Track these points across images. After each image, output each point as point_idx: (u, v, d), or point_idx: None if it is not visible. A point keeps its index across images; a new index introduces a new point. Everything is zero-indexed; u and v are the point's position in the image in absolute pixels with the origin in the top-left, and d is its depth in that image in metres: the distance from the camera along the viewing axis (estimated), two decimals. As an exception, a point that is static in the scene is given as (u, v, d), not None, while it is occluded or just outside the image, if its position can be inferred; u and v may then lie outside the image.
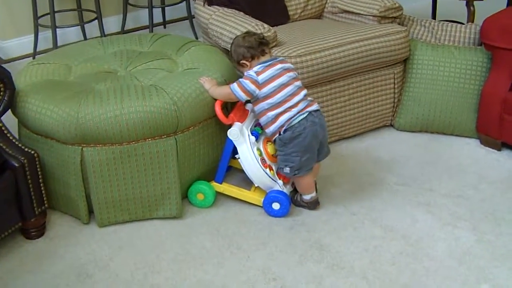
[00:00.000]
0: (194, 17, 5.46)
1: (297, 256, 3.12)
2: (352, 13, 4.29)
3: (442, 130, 4.10)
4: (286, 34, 3.98)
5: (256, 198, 3.44)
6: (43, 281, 3.01)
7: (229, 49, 3.43)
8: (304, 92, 3.29)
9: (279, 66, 3.27)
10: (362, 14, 4.22)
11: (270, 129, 3.30)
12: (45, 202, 3.27)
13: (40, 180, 3.22)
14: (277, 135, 3.28)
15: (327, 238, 3.23)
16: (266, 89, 3.22)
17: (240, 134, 3.30)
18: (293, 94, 3.24)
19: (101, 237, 3.28)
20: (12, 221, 3.15)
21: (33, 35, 5.35)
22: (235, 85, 3.26)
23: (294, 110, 3.22)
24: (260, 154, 3.35)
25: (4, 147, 3.11)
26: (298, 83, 3.30)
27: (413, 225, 3.31)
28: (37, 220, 3.25)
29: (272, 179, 3.36)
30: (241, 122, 3.34)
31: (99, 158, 3.17)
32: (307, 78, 3.67)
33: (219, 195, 3.51)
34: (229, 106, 3.58)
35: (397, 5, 4.15)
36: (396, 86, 4.08)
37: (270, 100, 3.23)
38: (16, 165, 3.09)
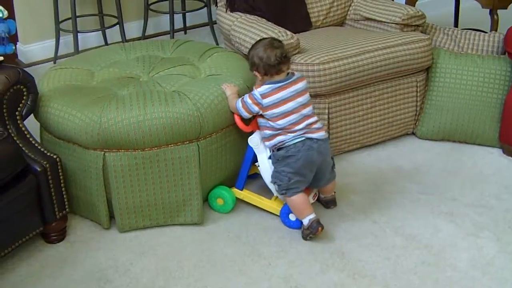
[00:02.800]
0: (215, 23, 5.47)
1: (319, 264, 3.10)
2: (375, 20, 4.27)
3: (464, 139, 4.07)
4: (308, 41, 3.97)
5: (275, 207, 3.41)
6: (63, 286, 3.01)
7: (250, 52, 3.29)
8: (308, 121, 3.21)
9: (292, 89, 3.18)
10: (384, 22, 4.20)
11: (266, 144, 3.29)
12: (66, 206, 3.27)
13: (62, 185, 3.22)
14: (271, 151, 3.27)
15: (348, 246, 3.21)
16: (269, 113, 3.17)
17: (260, 142, 3.29)
18: (295, 123, 3.18)
19: (122, 243, 3.27)
20: (33, 225, 3.15)
21: (54, 39, 5.36)
22: (239, 103, 3.23)
23: (289, 135, 3.18)
24: (279, 165, 3.34)
25: (26, 151, 3.11)
26: (305, 110, 3.20)
27: (436, 235, 3.29)
28: (58, 224, 3.25)
29: None
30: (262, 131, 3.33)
31: (121, 163, 3.17)
32: (329, 86, 3.66)
33: (240, 202, 3.49)
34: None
35: (420, 13, 4.13)
36: (418, 94, 4.06)
37: (271, 122, 3.20)
38: (38, 169, 3.09)
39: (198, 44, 3.96)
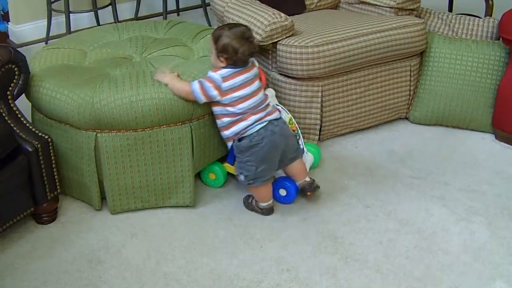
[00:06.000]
0: (208, 5, 5.45)
1: (311, 248, 3.09)
2: (369, 4, 4.25)
3: (457, 124, 4.07)
4: (302, 24, 3.95)
5: None
6: (54, 267, 3.00)
7: (218, 32, 3.16)
8: (267, 102, 3.22)
9: (248, 74, 3.16)
10: (379, 5, 4.17)
11: (224, 134, 3.23)
12: (58, 187, 3.26)
13: (53, 165, 3.21)
14: (232, 142, 3.22)
15: (340, 230, 3.21)
16: (228, 97, 3.12)
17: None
18: (255, 106, 3.15)
19: (113, 224, 3.26)
20: (24, 205, 3.13)
21: (46, 19, 5.32)
22: (196, 86, 3.11)
23: (252, 119, 3.14)
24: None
25: (18, 131, 3.09)
26: (260, 94, 3.19)
27: (428, 219, 3.29)
28: (49, 205, 3.24)
29: None
30: None
31: (113, 144, 3.15)
32: (323, 69, 3.65)
33: (232, 184, 3.50)
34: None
35: (414, -3, 4.12)
36: (412, 78, 4.05)
37: (230, 108, 3.14)
38: (30, 149, 3.07)
39: (191, 26, 3.94)
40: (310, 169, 3.56)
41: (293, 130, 3.49)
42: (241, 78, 3.13)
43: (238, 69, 3.13)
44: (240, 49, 3.09)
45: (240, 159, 3.21)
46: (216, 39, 3.13)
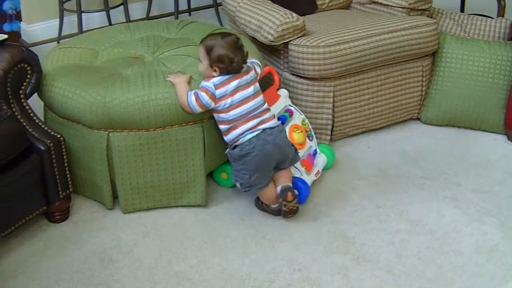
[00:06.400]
0: (219, 5, 5.44)
1: (322, 248, 3.09)
2: (381, 4, 4.24)
3: (469, 125, 4.05)
4: (314, 24, 3.95)
5: None
6: (67, 265, 3.00)
7: (210, 42, 3.15)
8: (262, 108, 3.18)
9: (242, 79, 3.14)
10: (391, 6, 4.17)
11: (226, 138, 3.21)
12: (70, 186, 3.27)
13: (66, 164, 3.21)
14: (228, 149, 3.21)
15: (352, 231, 3.21)
16: (221, 104, 3.10)
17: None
18: (248, 113, 3.12)
19: (125, 223, 3.27)
20: (37, 204, 3.14)
21: (58, 19, 5.33)
22: (192, 97, 3.09)
23: (243, 128, 3.11)
24: (285, 140, 3.32)
25: (30, 130, 3.10)
26: (256, 101, 3.15)
27: (440, 220, 3.28)
28: (61, 204, 3.25)
29: (294, 166, 3.33)
30: (270, 106, 3.30)
31: (125, 143, 3.16)
32: (335, 69, 3.64)
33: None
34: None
35: (426, -3, 4.12)
36: (424, 79, 4.04)
37: (223, 115, 3.13)
38: (42, 148, 3.08)
39: (203, 25, 3.94)
40: (323, 170, 3.56)
41: (306, 131, 3.49)
42: (233, 84, 3.11)
43: (229, 76, 3.12)
44: (235, 58, 3.09)
45: (235, 167, 3.20)
46: (209, 49, 3.10)
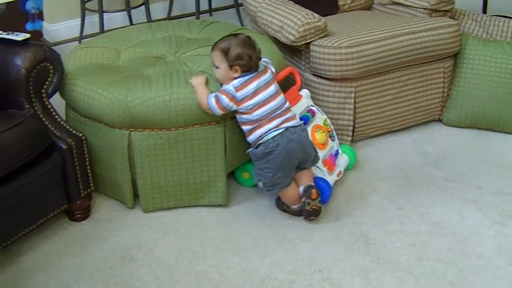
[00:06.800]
0: (240, 5, 5.45)
1: (343, 249, 3.08)
2: (403, 5, 4.23)
3: (491, 127, 4.03)
4: (335, 25, 3.94)
5: None
6: (87, 264, 3.02)
7: (224, 44, 3.13)
8: (285, 107, 3.18)
9: (261, 79, 3.13)
10: (413, 7, 4.15)
11: (248, 139, 3.22)
12: (91, 185, 3.28)
13: (87, 163, 3.23)
14: (251, 148, 3.21)
15: (373, 232, 3.20)
16: (244, 106, 3.10)
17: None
18: (272, 112, 3.12)
19: (145, 222, 3.27)
20: (58, 202, 3.16)
21: (79, 19, 5.36)
22: (212, 100, 3.08)
23: (267, 127, 3.11)
24: (307, 140, 3.32)
25: (52, 129, 3.11)
26: (277, 100, 3.15)
27: (462, 222, 3.26)
28: (82, 203, 3.26)
29: (316, 166, 3.33)
30: (292, 106, 3.29)
31: (146, 142, 3.16)
32: (356, 70, 3.63)
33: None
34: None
35: (448, -2, 4.10)
36: (445, 80, 4.02)
37: (247, 116, 3.13)
38: (64, 147, 3.09)
39: (225, 25, 3.94)
40: (344, 170, 3.56)
41: (328, 131, 3.48)
42: (253, 85, 3.11)
43: (249, 77, 3.11)
44: (253, 54, 3.11)
45: (258, 166, 3.19)
46: (225, 50, 3.10)
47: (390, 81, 3.84)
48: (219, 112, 3.10)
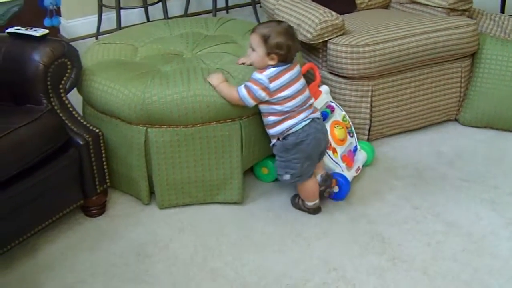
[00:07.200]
0: (257, 3, 5.45)
1: (358, 247, 3.08)
2: (421, 4, 4.21)
3: (508, 127, 4.01)
4: (353, 23, 3.93)
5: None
6: (102, 259, 3.03)
7: (267, 30, 3.09)
8: (311, 101, 3.20)
9: (292, 72, 3.13)
10: (431, 6, 4.14)
11: (269, 132, 3.22)
12: (107, 180, 3.29)
13: (103, 159, 3.24)
14: (276, 140, 3.20)
15: (388, 231, 3.19)
16: (277, 97, 3.09)
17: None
18: (301, 105, 3.13)
19: (161, 219, 3.28)
20: (74, 198, 3.17)
21: (96, 15, 5.38)
22: (243, 91, 3.08)
23: (298, 118, 3.12)
24: (327, 136, 3.33)
25: (69, 124, 3.12)
26: (306, 93, 3.17)
27: (477, 222, 3.25)
28: (98, 198, 3.27)
29: (335, 162, 3.35)
30: None
31: (163, 139, 3.17)
32: (373, 68, 3.63)
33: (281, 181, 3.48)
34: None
35: (467, -3, 4.08)
36: (462, 80, 4.00)
37: (278, 107, 3.11)
38: (81, 142, 3.11)
39: (242, 23, 3.95)
40: (362, 167, 3.58)
41: (347, 127, 3.48)
42: (287, 76, 3.10)
43: (283, 68, 3.10)
44: (292, 45, 3.08)
45: (285, 158, 3.19)
46: (266, 37, 3.07)
47: (407, 80, 3.83)
48: (252, 102, 3.10)
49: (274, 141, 3.22)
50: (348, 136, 3.50)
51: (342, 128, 3.47)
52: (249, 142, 3.30)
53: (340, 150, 3.39)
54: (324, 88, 3.51)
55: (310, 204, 3.29)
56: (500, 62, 3.93)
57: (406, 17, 4.07)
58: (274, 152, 3.24)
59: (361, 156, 3.56)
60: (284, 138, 3.16)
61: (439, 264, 2.98)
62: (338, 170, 3.36)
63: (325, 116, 3.36)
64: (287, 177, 3.22)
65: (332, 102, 3.52)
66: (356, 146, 3.55)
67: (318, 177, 3.28)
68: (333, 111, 3.48)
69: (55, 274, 2.94)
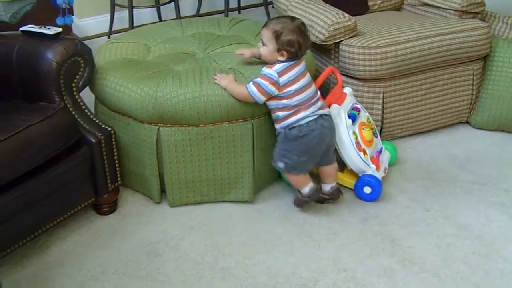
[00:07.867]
0: (269, 4, 5.46)
1: (369, 249, 3.08)
2: (433, 6, 4.21)
3: (520, 130, 4.02)
4: (365, 25, 3.94)
5: (347, 180, 3.46)
6: (113, 257, 3.04)
7: (279, 26, 3.09)
8: (318, 96, 3.21)
9: (300, 67, 3.14)
10: (443, 8, 4.14)
11: (277, 126, 3.23)
12: (119, 179, 3.30)
13: (115, 157, 3.25)
14: (282, 129, 3.20)
15: (399, 233, 3.19)
16: (286, 91, 3.10)
17: (336, 116, 3.28)
18: (309, 98, 3.14)
19: (172, 217, 3.29)
20: (86, 195, 3.18)
21: (109, 14, 5.40)
22: (252, 87, 3.09)
23: (305, 113, 3.13)
24: (356, 138, 3.34)
25: (82, 122, 3.14)
26: (312, 88, 3.18)
27: (488, 225, 3.25)
28: (109, 196, 3.28)
29: (366, 163, 3.35)
30: (339, 105, 3.32)
31: (175, 138, 3.18)
32: (385, 70, 3.63)
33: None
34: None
35: (479, 0, 4.06)
36: (474, 83, 4.00)
37: (286, 101, 3.12)
38: (93, 141, 3.12)
39: (254, 23, 3.95)
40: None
41: (371, 128, 3.48)
42: (295, 71, 3.12)
43: (291, 63, 3.11)
44: (303, 43, 3.10)
45: (285, 147, 3.19)
46: (278, 33, 3.08)
47: (419, 82, 3.83)
48: (262, 98, 3.10)
49: (279, 127, 3.22)
50: (374, 137, 3.51)
51: (369, 129, 3.47)
52: (261, 142, 3.31)
53: (369, 151, 3.39)
54: (348, 90, 3.49)
55: (305, 190, 3.27)
56: (512, 65, 3.93)
57: (418, 19, 4.07)
58: (278, 140, 3.24)
59: (386, 157, 3.57)
60: (289, 129, 3.17)
61: (449, 267, 2.98)
62: (369, 171, 3.37)
63: (353, 118, 3.37)
64: (281, 165, 3.22)
65: (357, 104, 3.51)
66: (381, 148, 3.55)
67: (328, 187, 3.29)
68: (359, 112, 3.48)
69: (66, 271, 2.95)
